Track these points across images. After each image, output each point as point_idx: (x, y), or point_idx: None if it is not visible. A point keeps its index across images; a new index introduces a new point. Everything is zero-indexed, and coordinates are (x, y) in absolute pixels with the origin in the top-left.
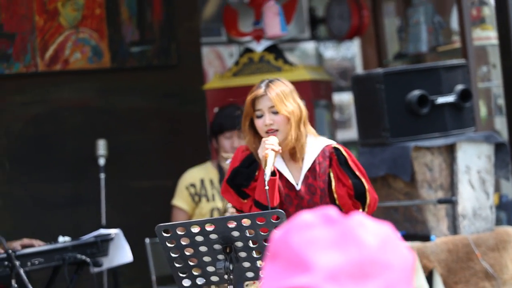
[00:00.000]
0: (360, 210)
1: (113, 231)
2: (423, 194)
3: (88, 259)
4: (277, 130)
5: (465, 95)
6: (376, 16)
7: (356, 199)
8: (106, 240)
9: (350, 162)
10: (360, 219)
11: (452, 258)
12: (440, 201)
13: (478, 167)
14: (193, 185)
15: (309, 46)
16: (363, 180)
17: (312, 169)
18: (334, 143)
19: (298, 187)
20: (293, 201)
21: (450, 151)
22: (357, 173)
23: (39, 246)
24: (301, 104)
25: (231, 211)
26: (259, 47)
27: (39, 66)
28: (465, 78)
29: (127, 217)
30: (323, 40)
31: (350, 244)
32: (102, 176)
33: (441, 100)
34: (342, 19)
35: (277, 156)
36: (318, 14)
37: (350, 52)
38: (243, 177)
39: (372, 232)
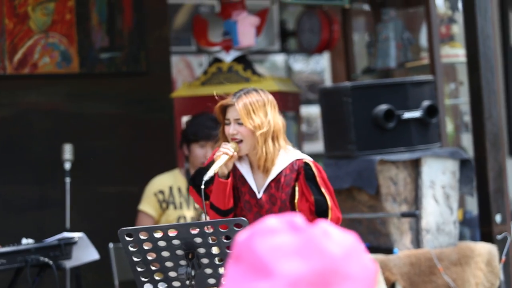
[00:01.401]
0: None
1: (76, 235)
2: (387, 207)
3: (51, 262)
4: (241, 141)
5: (432, 111)
6: (346, 30)
7: (318, 216)
8: (69, 244)
9: (318, 179)
10: (325, 228)
11: (415, 271)
12: (404, 215)
13: (443, 182)
14: (161, 192)
15: (279, 59)
16: (328, 197)
17: (276, 180)
18: (306, 158)
19: (259, 195)
20: (252, 208)
21: (415, 165)
22: (323, 190)
23: None
24: (275, 118)
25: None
26: (228, 57)
27: (7, 69)
28: (432, 94)
29: (92, 221)
30: (292, 53)
31: (313, 253)
32: (68, 180)
33: (407, 115)
34: (312, 32)
35: (245, 163)
36: (288, 27)
37: (319, 65)
38: (202, 177)
39: (336, 242)
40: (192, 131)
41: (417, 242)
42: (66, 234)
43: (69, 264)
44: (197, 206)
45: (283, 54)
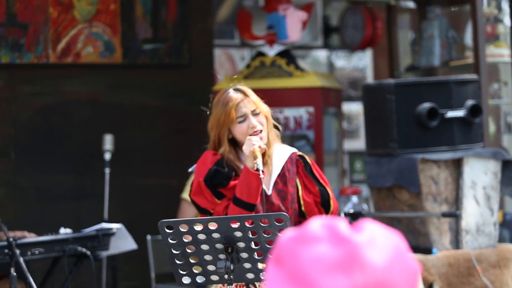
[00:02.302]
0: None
1: (115, 226)
2: (427, 207)
3: (88, 252)
4: (261, 131)
5: (475, 111)
6: (390, 27)
7: (321, 206)
8: (107, 234)
9: (314, 170)
10: (369, 233)
11: (453, 272)
12: (444, 215)
13: (484, 183)
14: None
15: (321, 54)
16: (328, 188)
17: (281, 175)
18: (297, 151)
19: (269, 192)
20: (263, 206)
21: (457, 165)
22: (321, 181)
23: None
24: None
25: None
26: (271, 51)
27: (50, 57)
28: (476, 93)
29: (130, 213)
30: (335, 49)
31: (355, 267)
32: (107, 171)
33: (451, 114)
34: (356, 29)
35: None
36: (332, 23)
37: (362, 62)
38: (222, 176)
39: (380, 249)
40: None
41: (456, 242)
42: (105, 225)
43: (107, 252)
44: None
45: (326, 50)
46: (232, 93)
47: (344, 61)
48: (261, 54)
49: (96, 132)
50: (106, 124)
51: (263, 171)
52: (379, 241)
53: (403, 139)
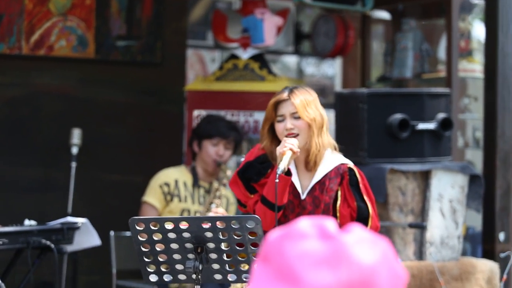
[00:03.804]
0: None
1: (80, 220)
2: (393, 217)
3: (52, 245)
4: (297, 135)
5: (446, 124)
6: (364, 37)
7: (358, 222)
8: (72, 228)
9: (361, 186)
10: (357, 235)
11: (415, 283)
12: (411, 225)
13: (451, 196)
14: (167, 184)
15: (291, 60)
16: (369, 205)
17: (321, 182)
18: (350, 164)
19: (303, 196)
20: (295, 209)
21: (425, 177)
22: (365, 197)
23: None
24: (323, 112)
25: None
26: (245, 54)
27: (23, 49)
28: (447, 107)
29: (94, 208)
30: (306, 55)
31: (342, 264)
32: (73, 165)
33: (422, 126)
34: (327, 37)
35: (289, 165)
36: (304, 29)
37: (331, 70)
38: (254, 171)
39: (368, 251)
40: (208, 128)
41: (420, 254)
42: (70, 219)
43: (70, 248)
44: (201, 201)
45: (296, 56)
46: (283, 90)
47: (313, 68)
48: (234, 56)
49: (65, 126)
50: (75, 118)
51: (287, 176)
52: (366, 242)
53: (373, 149)
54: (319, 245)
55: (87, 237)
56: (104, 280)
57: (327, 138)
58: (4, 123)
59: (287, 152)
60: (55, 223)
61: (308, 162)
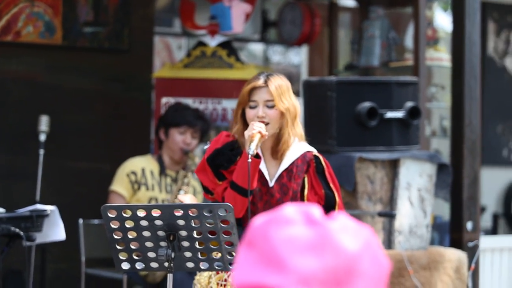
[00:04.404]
0: None
1: (49, 208)
2: (362, 205)
3: (21, 233)
4: (267, 124)
5: (414, 113)
6: (331, 25)
7: (325, 211)
8: (41, 216)
9: (326, 174)
10: (342, 222)
11: None
12: (380, 214)
13: (419, 185)
14: (134, 173)
15: (257, 48)
16: (336, 194)
17: (289, 170)
18: (315, 151)
19: (271, 184)
20: (263, 197)
21: (393, 166)
22: (331, 185)
23: None
24: (297, 103)
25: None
26: (213, 41)
27: None
28: (415, 95)
29: (62, 195)
30: (272, 43)
31: (327, 249)
32: (41, 152)
33: (390, 114)
34: (294, 24)
35: (258, 149)
36: (270, 17)
37: (297, 58)
38: (224, 158)
39: (352, 238)
40: (174, 115)
41: (388, 242)
42: (39, 206)
43: (37, 239)
44: (168, 189)
45: (262, 44)
46: (258, 77)
47: (279, 56)
48: (202, 44)
49: (32, 113)
50: (43, 105)
51: (257, 158)
52: (351, 230)
53: (342, 137)
54: (305, 231)
55: (53, 229)
56: (72, 268)
57: (298, 130)
58: None
59: (256, 135)
60: (24, 210)
61: (277, 150)
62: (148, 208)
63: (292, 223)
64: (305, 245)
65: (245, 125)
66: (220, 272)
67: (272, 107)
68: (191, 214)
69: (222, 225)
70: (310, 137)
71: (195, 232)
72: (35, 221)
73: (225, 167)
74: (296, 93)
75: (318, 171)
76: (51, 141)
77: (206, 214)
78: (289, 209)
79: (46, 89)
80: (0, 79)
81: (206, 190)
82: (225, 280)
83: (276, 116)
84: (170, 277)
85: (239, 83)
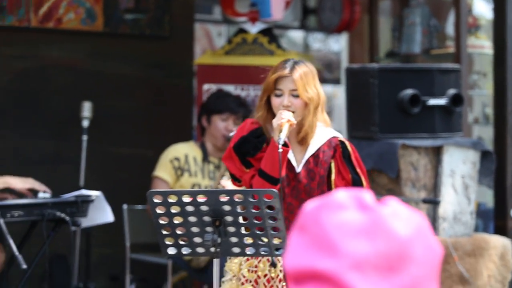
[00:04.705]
0: None
1: (94, 193)
2: (406, 192)
3: (67, 218)
4: (293, 112)
5: (457, 100)
6: (372, 13)
7: None
8: (86, 201)
9: (353, 158)
10: (394, 207)
11: None
12: (425, 201)
13: (463, 172)
14: (177, 159)
15: (297, 35)
16: (362, 178)
17: (315, 155)
18: (341, 136)
19: (298, 169)
20: (290, 183)
21: (436, 153)
22: (358, 170)
23: (44, 191)
24: (321, 90)
25: (222, 186)
26: (253, 28)
27: (32, 21)
28: (457, 83)
29: (105, 181)
30: (312, 30)
31: (380, 235)
32: (85, 138)
33: (432, 101)
34: (334, 12)
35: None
36: (309, 4)
37: (337, 46)
38: (250, 146)
39: (404, 223)
40: (218, 103)
41: (433, 229)
42: (84, 192)
43: (84, 223)
44: (211, 176)
45: (302, 31)
46: (285, 65)
47: (319, 43)
48: (242, 31)
49: (75, 99)
50: (85, 92)
51: (285, 147)
52: (403, 215)
53: (384, 124)
54: (357, 216)
55: (100, 212)
56: (117, 253)
57: (322, 116)
58: (15, 96)
59: (285, 124)
60: (69, 196)
61: (301, 137)
62: (193, 194)
63: (344, 208)
64: (357, 229)
65: (270, 111)
66: (250, 258)
67: (297, 96)
68: (236, 200)
69: (268, 210)
70: (352, 124)
71: (241, 217)
72: (80, 206)
73: (252, 155)
74: (336, 80)
75: (344, 156)
76: (94, 127)
77: (251, 200)
78: (341, 194)
79: (88, 75)
80: (42, 66)
81: (233, 177)
82: (256, 266)
83: (300, 105)
84: (215, 262)
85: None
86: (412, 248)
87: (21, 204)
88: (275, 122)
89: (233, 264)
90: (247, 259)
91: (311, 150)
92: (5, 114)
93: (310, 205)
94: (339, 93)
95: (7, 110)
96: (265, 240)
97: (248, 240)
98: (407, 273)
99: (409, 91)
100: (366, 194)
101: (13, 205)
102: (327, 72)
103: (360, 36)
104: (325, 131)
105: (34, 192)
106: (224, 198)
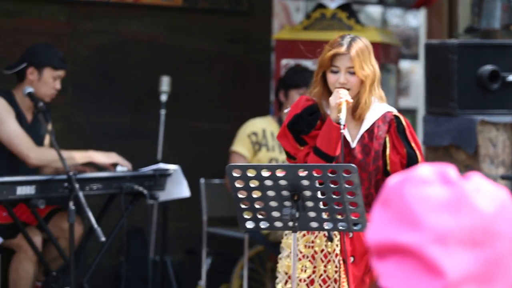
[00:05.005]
0: None
1: (172, 167)
2: (484, 169)
3: (145, 191)
4: (348, 89)
5: None
6: None
7: (408, 169)
8: (164, 175)
9: (407, 133)
10: (477, 182)
11: None
12: (503, 177)
13: None
14: (255, 134)
15: (376, 10)
16: (418, 153)
17: (370, 131)
18: (395, 111)
19: (353, 145)
20: (345, 158)
21: None
22: (413, 144)
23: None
24: (376, 66)
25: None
26: (332, 4)
27: None
28: None
29: (183, 155)
30: (390, 6)
31: (463, 209)
32: (163, 112)
33: None
34: None
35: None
36: None
37: (415, 21)
38: (304, 123)
39: (488, 198)
40: (295, 78)
41: None
42: (162, 165)
43: (161, 197)
44: None
45: (380, 7)
46: (342, 42)
47: (397, 19)
48: (321, 6)
49: (153, 74)
50: (163, 66)
51: (344, 126)
52: (487, 191)
53: (463, 100)
54: (441, 191)
55: (177, 187)
56: (194, 226)
57: (377, 92)
58: (94, 70)
59: (343, 103)
60: (148, 169)
61: (355, 114)
62: (272, 168)
63: (428, 183)
64: (441, 204)
65: (325, 87)
66: (307, 233)
67: (353, 73)
68: (315, 175)
69: (346, 185)
70: (431, 100)
71: (319, 192)
72: (158, 180)
73: (306, 132)
74: (414, 56)
75: (399, 130)
76: (172, 101)
77: (329, 175)
78: (425, 169)
79: (166, 50)
80: (121, 41)
81: (288, 155)
82: (312, 242)
83: (357, 83)
84: (294, 236)
85: None
86: (496, 224)
87: (100, 177)
88: (332, 100)
89: (290, 240)
90: (304, 235)
91: (366, 125)
92: (84, 88)
93: (394, 180)
94: (417, 68)
95: (86, 85)
96: (344, 215)
97: (326, 215)
98: (491, 248)
99: (488, 67)
100: (450, 169)
101: (92, 178)
102: (405, 47)
103: (439, 12)
104: (380, 106)
105: (113, 165)
106: (302, 173)
